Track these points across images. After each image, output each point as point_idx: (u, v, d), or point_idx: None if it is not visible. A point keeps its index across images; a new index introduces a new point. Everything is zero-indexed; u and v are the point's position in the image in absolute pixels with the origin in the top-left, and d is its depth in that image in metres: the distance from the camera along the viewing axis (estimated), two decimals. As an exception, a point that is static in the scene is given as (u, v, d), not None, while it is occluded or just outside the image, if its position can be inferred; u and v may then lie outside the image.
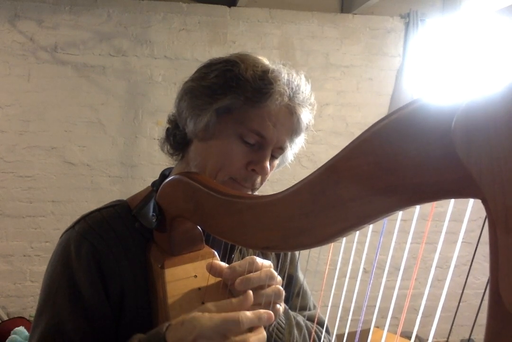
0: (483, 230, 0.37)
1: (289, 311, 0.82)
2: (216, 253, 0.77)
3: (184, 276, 0.73)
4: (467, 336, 3.30)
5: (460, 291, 2.91)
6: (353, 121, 3.15)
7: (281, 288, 0.70)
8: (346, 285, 0.70)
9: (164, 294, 0.70)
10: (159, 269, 0.72)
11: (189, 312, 0.68)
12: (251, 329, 0.61)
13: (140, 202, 0.75)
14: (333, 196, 0.47)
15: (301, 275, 0.97)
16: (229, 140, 0.75)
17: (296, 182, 0.51)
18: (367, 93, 3.16)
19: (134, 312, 0.75)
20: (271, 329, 0.76)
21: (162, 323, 0.67)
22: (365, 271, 2.96)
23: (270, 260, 0.84)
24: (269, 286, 0.68)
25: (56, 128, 2.85)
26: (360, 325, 0.78)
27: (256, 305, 0.64)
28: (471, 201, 0.40)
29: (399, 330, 0.60)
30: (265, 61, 0.78)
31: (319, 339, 0.86)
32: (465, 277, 0.52)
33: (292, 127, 0.77)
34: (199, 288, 0.72)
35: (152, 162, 2.95)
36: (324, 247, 0.53)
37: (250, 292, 0.63)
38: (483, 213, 0.36)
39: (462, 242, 0.55)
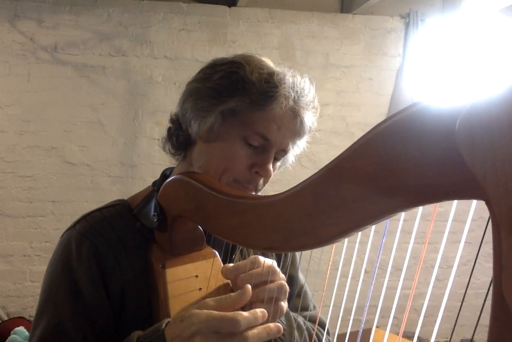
0: (483, 230, 0.37)
1: (290, 312, 0.82)
2: (217, 253, 0.77)
3: (185, 276, 0.73)
4: (467, 336, 3.30)
5: (460, 291, 2.91)
6: (353, 121, 3.15)
7: (285, 283, 0.69)
8: (348, 285, 0.70)
9: (165, 294, 0.70)
10: (160, 269, 0.72)
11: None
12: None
13: (141, 202, 0.75)
14: (335, 196, 0.47)
15: (301, 276, 0.97)
16: (233, 143, 0.75)
17: (296, 182, 0.51)
18: (367, 93, 3.16)
19: (134, 312, 0.75)
20: None
21: (163, 322, 0.67)
22: (366, 271, 2.96)
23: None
24: (272, 281, 0.68)
25: (56, 128, 2.85)
26: (362, 325, 0.78)
27: (258, 301, 0.64)
28: (474, 202, 0.40)
29: (401, 330, 0.60)
30: (270, 63, 0.78)
31: (320, 341, 0.85)
32: (465, 277, 0.52)
33: (296, 130, 0.78)
34: (200, 288, 0.72)
35: (152, 162, 2.95)
36: (325, 247, 0.53)
37: (249, 286, 0.63)
38: (483, 213, 0.36)
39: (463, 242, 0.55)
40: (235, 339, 0.57)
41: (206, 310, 0.59)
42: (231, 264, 0.71)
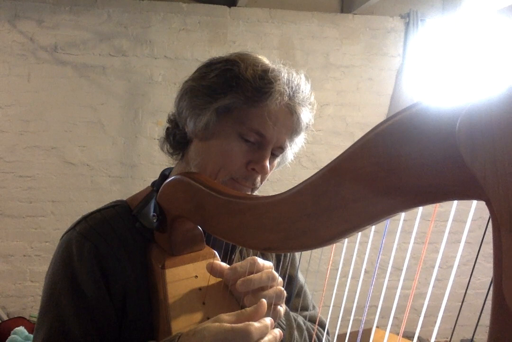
0: (483, 230, 0.37)
1: (290, 312, 0.82)
2: (216, 253, 0.77)
3: (185, 276, 0.72)
4: (467, 336, 3.30)
5: (461, 291, 2.91)
6: (353, 121, 3.15)
7: (282, 289, 0.69)
8: (347, 285, 0.69)
9: (164, 294, 0.70)
10: (160, 269, 0.72)
11: (189, 312, 0.68)
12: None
13: (141, 202, 0.75)
14: (335, 197, 0.47)
15: (301, 276, 0.97)
16: (229, 140, 0.75)
17: (296, 182, 0.51)
18: (367, 93, 3.16)
19: (135, 312, 0.75)
20: None
21: (163, 324, 0.67)
22: (366, 271, 2.95)
23: (270, 260, 0.84)
24: (270, 287, 0.68)
25: (56, 128, 2.85)
26: (362, 325, 0.78)
27: None
28: (474, 202, 0.40)
29: (401, 330, 0.60)
30: (265, 60, 0.78)
31: (320, 340, 0.85)
32: (465, 277, 0.52)
33: (292, 127, 0.77)
34: (200, 288, 0.72)
35: (152, 162, 2.95)
36: (325, 247, 0.53)
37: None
38: (483, 213, 0.36)
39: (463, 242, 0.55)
40: None
41: (217, 323, 0.58)
42: (218, 262, 0.71)
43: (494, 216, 0.34)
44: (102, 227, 0.78)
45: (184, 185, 0.69)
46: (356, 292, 0.67)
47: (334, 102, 3.12)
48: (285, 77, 0.75)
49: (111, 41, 2.86)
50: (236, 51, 0.82)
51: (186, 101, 0.77)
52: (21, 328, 2.45)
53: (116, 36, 2.86)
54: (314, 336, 0.83)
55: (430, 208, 0.45)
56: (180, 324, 0.66)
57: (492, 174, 0.33)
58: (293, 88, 0.76)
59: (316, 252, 0.60)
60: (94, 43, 2.84)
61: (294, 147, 0.84)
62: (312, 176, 0.49)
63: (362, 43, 3.12)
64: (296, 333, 0.79)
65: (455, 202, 0.41)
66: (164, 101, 2.90)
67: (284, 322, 0.78)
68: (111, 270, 0.75)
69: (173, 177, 0.72)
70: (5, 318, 2.78)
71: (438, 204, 0.42)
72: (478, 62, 3.03)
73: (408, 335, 2.66)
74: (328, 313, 0.77)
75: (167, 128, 0.84)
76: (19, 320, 2.70)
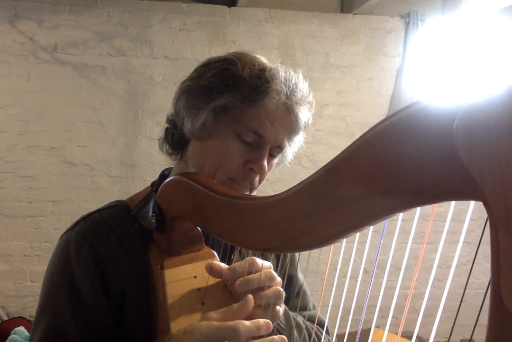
0: (483, 230, 0.37)
1: (289, 312, 0.82)
2: (215, 253, 0.77)
3: (184, 276, 0.72)
4: (466, 336, 3.30)
5: (460, 291, 2.91)
6: (353, 121, 3.15)
7: (281, 289, 0.69)
8: (346, 285, 0.69)
9: (163, 295, 0.70)
10: (159, 270, 0.72)
11: (188, 312, 0.68)
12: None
13: (140, 202, 0.75)
14: (334, 197, 0.47)
15: (300, 275, 0.97)
16: (226, 139, 0.75)
17: (296, 182, 0.51)
18: (367, 93, 3.16)
19: (134, 313, 0.75)
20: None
21: (162, 324, 0.67)
22: (365, 271, 2.95)
23: (269, 260, 0.84)
24: (269, 287, 0.68)
25: (56, 128, 2.85)
26: (361, 325, 0.78)
27: (256, 307, 0.64)
28: (472, 202, 0.40)
29: (400, 330, 0.60)
30: (263, 59, 0.77)
31: (319, 340, 0.85)
32: (465, 277, 0.52)
33: (290, 126, 0.77)
34: (199, 289, 0.72)
35: (152, 162, 2.95)
36: (324, 247, 0.53)
37: (251, 296, 0.62)
38: (483, 213, 0.36)
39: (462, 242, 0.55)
40: None
41: (206, 321, 0.59)
42: (217, 262, 0.71)
43: (492, 216, 0.34)
44: (100, 227, 0.77)
45: (183, 185, 0.69)
46: (355, 292, 0.67)
47: (334, 102, 3.12)
48: (282, 76, 0.75)
49: (111, 41, 2.86)
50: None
51: (183, 101, 0.77)
52: (21, 328, 2.45)
53: (116, 36, 2.86)
54: (313, 335, 0.83)
55: (429, 207, 0.45)
56: (179, 325, 0.66)
57: (490, 174, 0.33)
58: (291, 87, 0.75)
59: (315, 252, 0.60)
60: (94, 43, 2.84)
61: (293, 147, 0.83)
62: (310, 176, 0.49)
63: (362, 43, 3.12)
64: (295, 332, 0.79)
65: (453, 201, 0.41)
66: (164, 101, 2.89)
67: (284, 322, 0.78)
68: (109, 271, 0.74)
69: (171, 177, 0.72)
70: (5, 318, 2.78)
71: (436, 204, 0.42)
72: (478, 62, 3.02)
73: (407, 335, 2.66)
74: (327, 313, 0.77)
75: (166, 129, 0.84)
76: (19, 320, 2.70)
